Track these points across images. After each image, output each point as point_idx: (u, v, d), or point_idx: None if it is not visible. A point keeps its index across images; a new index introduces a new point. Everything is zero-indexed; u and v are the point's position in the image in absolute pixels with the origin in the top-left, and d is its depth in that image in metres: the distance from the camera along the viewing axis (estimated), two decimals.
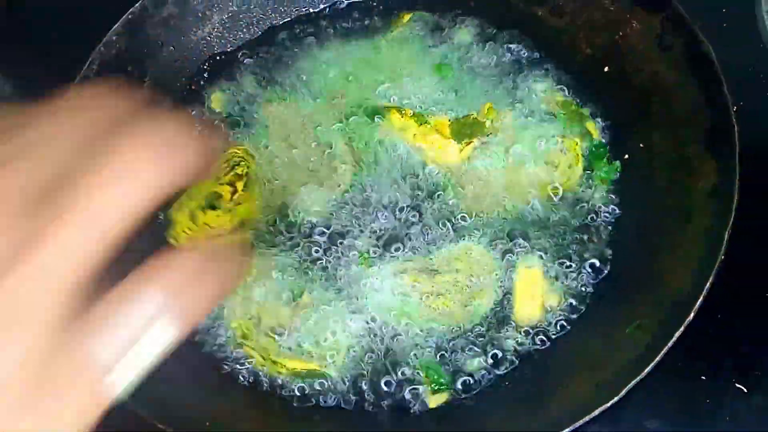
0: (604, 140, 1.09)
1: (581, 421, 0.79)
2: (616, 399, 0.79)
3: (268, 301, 1.00)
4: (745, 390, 0.97)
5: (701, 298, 0.82)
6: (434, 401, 0.94)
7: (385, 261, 1.01)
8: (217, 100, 1.17)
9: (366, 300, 0.99)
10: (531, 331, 0.97)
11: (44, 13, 1.42)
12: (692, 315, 0.82)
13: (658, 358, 0.80)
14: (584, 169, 1.05)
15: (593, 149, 1.08)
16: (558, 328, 0.97)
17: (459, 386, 0.94)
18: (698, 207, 0.92)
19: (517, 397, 0.91)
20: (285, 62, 1.21)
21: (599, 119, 1.10)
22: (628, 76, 1.07)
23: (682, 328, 0.81)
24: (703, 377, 0.98)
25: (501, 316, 0.98)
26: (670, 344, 0.81)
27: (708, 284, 0.83)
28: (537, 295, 0.98)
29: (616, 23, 1.08)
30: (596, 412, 0.79)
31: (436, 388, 0.94)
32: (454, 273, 0.99)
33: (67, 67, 1.09)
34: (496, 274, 1.00)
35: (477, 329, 0.97)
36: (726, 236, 0.85)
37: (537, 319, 0.97)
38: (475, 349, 0.96)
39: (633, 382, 0.79)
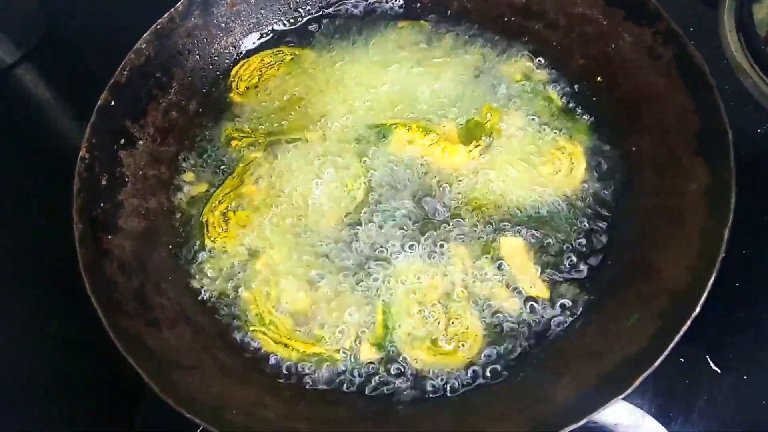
0: (564, 101, 0.99)
1: (591, 415, 0.67)
2: (629, 391, 0.67)
3: (288, 287, 0.87)
4: (719, 371, 0.87)
5: (706, 292, 0.70)
6: (365, 354, 0.82)
7: (398, 261, 0.88)
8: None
9: (381, 291, 0.86)
10: (531, 322, 0.84)
11: (80, 22, 1.29)
12: (698, 309, 0.69)
13: (667, 351, 0.68)
14: (586, 170, 0.92)
15: (560, 112, 0.97)
16: (555, 323, 0.84)
17: (468, 374, 0.81)
18: (691, 207, 0.81)
19: (522, 389, 0.78)
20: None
21: (557, 86, 1.00)
22: (619, 84, 0.95)
23: (689, 322, 0.69)
24: (682, 359, 0.88)
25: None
26: (678, 337, 0.68)
27: (712, 279, 0.70)
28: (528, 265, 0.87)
29: (608, 36, 0.96)
30: (608, 404, 0.67)
31: (375, 342, 0.83)
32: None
33: (101, 72, 0.96)
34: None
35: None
36: (726, 234, 0.73)
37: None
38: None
39: (645, 374, 0.67)
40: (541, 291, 0.85)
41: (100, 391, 0.92)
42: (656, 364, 0.68)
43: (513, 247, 0.88)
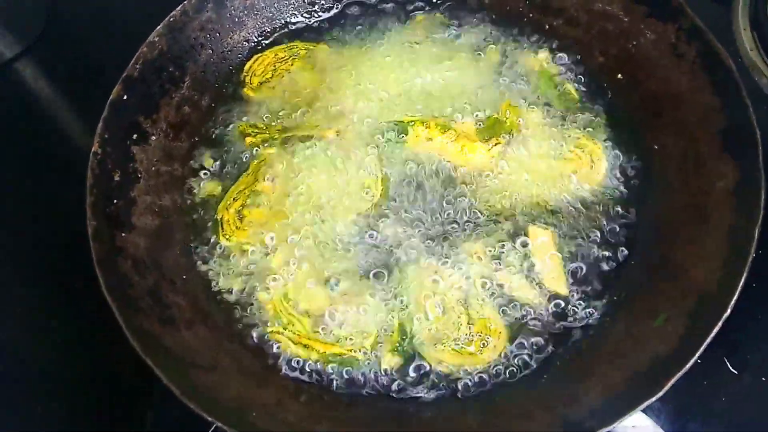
0: (583, 98, 0.97)
1: (623, 418, 0.65)
2: (660, 393, 0.65)
3: (305, 286, 0.85)
4: (737, 373, 0.86)
5: (737, 293, 0.69)
6: (386, 361, 0.80)
7: (416, 260, 0.87)
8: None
9: (399, 291, 0.85)
10: (553, 320, 0.82)
11: (82, 15, 1.27)
12: (729, 310, 0.68)
13: (699, 352, 0.67)
14: (607, 168, 0.91)
15: (580, 110, 0.96)
16: (580, 321, 0.82)
17: (493, 374, 0.79)
18: (718, 205, 0.80)
19: (548, 390, 0.77)
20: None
21: (578, 83, 0.99)
22: (641, 81, 0.94)
23: (720, 323, 0.68)
24: (699, 360, 0.85)
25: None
26: (710, 338, 0.67)
27: (743, 280, 0.69)
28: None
29: (629, 33, 0.95)
30: (639, 407, 0.65)
31: (393, 348, 0.81)
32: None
33: (103, 66, 0.97)
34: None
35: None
36: (756, 234, 0.71)
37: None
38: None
39: (677, 376, 0.66)
40: (561, 287, 0.84)
41: (101, 391, 0.90)
42: (688, 365, 0.67)
43: (541, 238, 0.86)
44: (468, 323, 0.82)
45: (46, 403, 0.85)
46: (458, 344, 0.81)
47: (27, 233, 1.00)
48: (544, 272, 0.84)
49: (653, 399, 0.65)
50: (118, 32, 1.02)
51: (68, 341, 0.92)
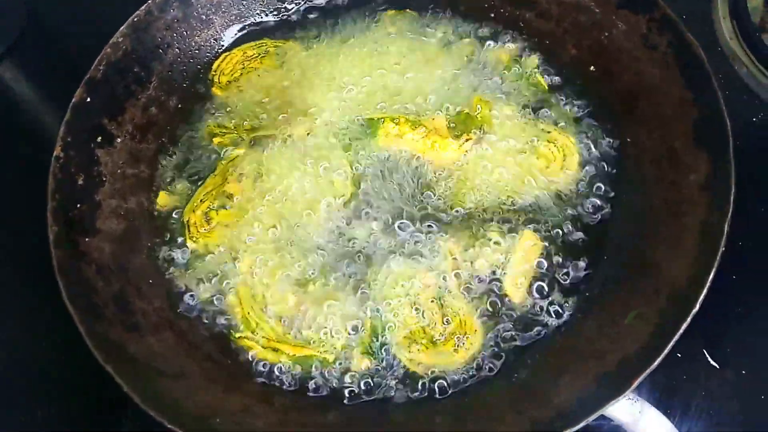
0: (556, 92, 0.97)
1: (590, 418, 0.65)
2: (628, 392, 0.65)
3: (274, 289, 0.84)
4: (717, 366, 0.85)
5: (705, 289, 0.68)
6: (357, 364, 0.79)
7: (388, 259, 0.85)
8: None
9: (371, 291, 0.83)
10: (527, 318, 0.81)
11: (63, 16, 1.27)
12: (698, 306, 0.67)
13: (666, 350, 0.66)
14: (580, 162, 0.90)
15: (552, 104, 0.95)
16: (553, 315, 0.81)
17: (465, 374, 0.78)
18: (690, 200, 0.79)
19: (519, 389, 0.76)
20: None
21: (549, 76, 0.98)
22: (613, 74, 0.93)
23: (688, 319, 0.67)
24: (679, 354, 0.85)
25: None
26: (677, 336, 0.66)
27: (711, 275, 0.68)
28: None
29: (601, 25, 0.94)
30: (606, 406, 0.65)
31: (365, 349, 0.80)
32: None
33: (84, 68, 0.93)
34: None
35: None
36: (726, 229, 0.70)
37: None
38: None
39: (644, 374, 0.65)
40: (518, 295, 0.83)
41: (101, 391, 0.88)
42: (655, 364, 0.66)
43: (529, 243, 0.85)
44: (442, 322, 0.81)
45: (45, 403, 0.85)
46: (432, 344, 0.80)
47: (27, 233, 0.99)
48: (512, 276, 0.83)
49: (620, 398, 0.65)
50: (99, 34, 1.00)
51: (68, 341, 0.91)
